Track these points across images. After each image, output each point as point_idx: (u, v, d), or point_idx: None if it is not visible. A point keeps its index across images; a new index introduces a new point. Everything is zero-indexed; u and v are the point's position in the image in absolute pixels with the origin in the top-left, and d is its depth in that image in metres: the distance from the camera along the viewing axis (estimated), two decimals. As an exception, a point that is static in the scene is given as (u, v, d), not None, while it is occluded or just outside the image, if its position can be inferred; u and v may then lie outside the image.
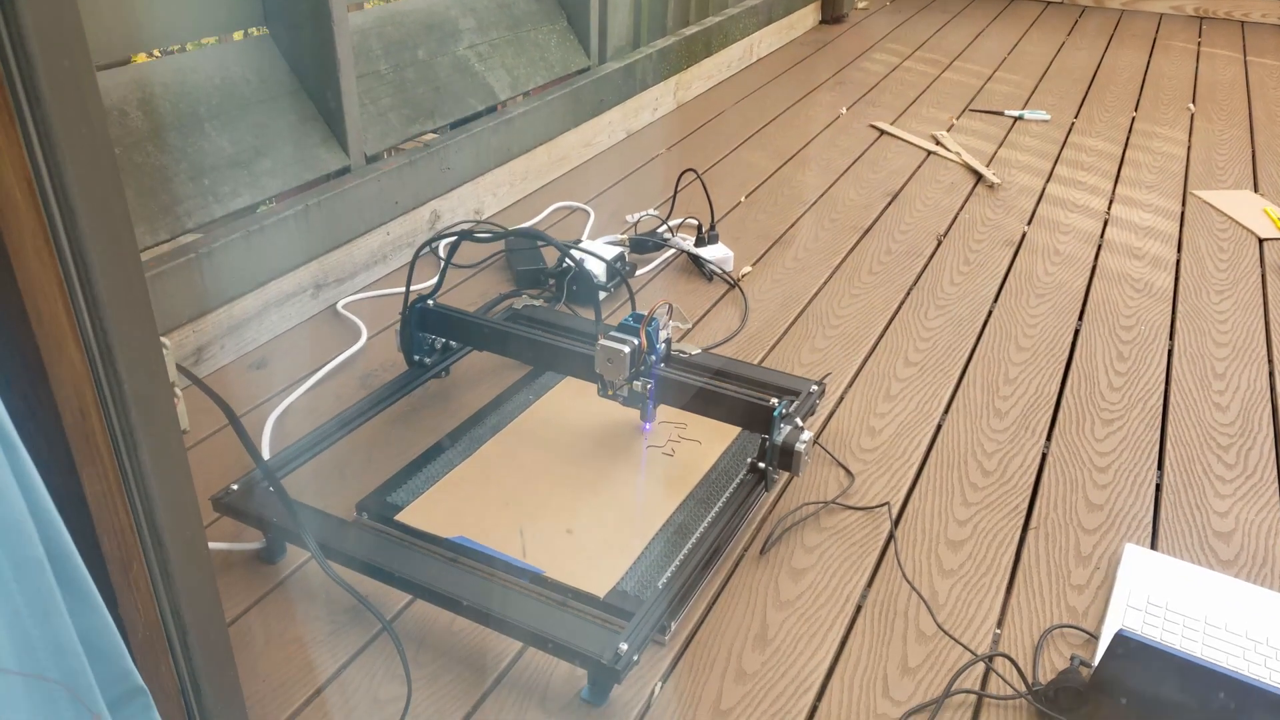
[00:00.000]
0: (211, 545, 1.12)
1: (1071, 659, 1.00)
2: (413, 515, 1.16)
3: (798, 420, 1.14)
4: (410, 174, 1.76)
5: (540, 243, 1.14)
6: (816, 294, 1.76)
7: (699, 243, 1.85)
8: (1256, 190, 2.27)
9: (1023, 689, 0.99)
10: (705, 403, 1.19)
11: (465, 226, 1.17)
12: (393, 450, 1.30)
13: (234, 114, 1.52)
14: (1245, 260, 1.93)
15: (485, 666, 1.00)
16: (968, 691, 0.99)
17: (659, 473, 1.24)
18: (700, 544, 1.08)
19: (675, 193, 2.02)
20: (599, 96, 2.31)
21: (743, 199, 2.14)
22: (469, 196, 1.94)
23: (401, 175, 1.74)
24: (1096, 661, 0.95)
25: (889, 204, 2.14)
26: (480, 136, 1.93)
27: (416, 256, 1.29)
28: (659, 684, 0.99)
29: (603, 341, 1.17)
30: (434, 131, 1.87)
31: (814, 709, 0.97)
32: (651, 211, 2.04)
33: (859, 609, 1.08)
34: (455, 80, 1.96)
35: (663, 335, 1.23)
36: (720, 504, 1.17)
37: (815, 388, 1.32)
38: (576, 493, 1.19)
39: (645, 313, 1.18)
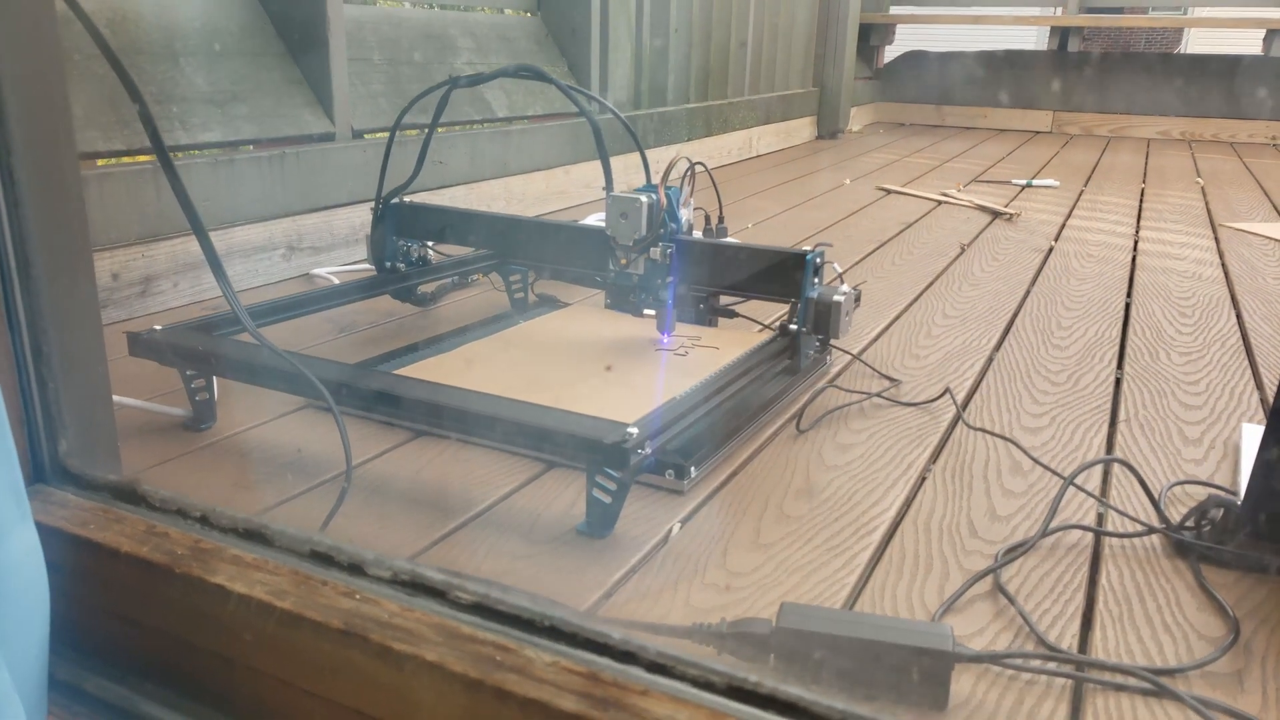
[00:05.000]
0: (124, 400, 0.91)
1: (1208, 497, 0.78)
2: (374, 385, 0.95)
3: (836, 265, 0.96)
4: (399, 155, 1.65)
5: (543, 81, 1.02)
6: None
7: (707, 234, 1.71)
8: (1286, 226, 2.17)
9: (1151, 526, 0.76)
10: (729, 265, 1.02)
11: (452, 77, 1.05)
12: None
13: (212, 57, 1.43)
14: (1294, 263, 1.80)
15: (452, 509, 0.77)
16: (1082, 528, 0.76)
17: (674, 366, 1.04)
18: (727, 387, 0.87)
19: (684, 179, 1.91)
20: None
21: (749, 225, 2.03)
22: (461, 200, 1.82)
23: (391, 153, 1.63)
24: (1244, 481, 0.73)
25: (904, 229, 2.03)
26: (476, 140, 1.84)
27: (402, 115, 1.15)
28: (678, 524, 0.76)
29: (616, 193, 1.01)
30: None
31: (883, 547, 0.74)
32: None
33: (923, 480, 0.86)
34: (452, 90, 1.89)
35: (685, 215, 1.07)
36: (748, 366, 0.96)
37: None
38: (580, 376, 1.00)
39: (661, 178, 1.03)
